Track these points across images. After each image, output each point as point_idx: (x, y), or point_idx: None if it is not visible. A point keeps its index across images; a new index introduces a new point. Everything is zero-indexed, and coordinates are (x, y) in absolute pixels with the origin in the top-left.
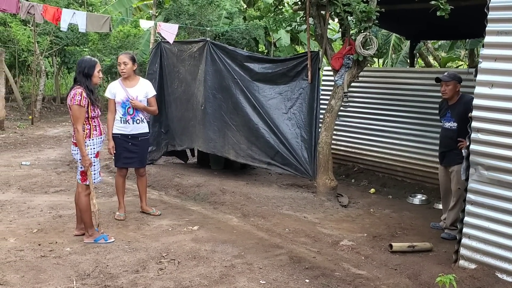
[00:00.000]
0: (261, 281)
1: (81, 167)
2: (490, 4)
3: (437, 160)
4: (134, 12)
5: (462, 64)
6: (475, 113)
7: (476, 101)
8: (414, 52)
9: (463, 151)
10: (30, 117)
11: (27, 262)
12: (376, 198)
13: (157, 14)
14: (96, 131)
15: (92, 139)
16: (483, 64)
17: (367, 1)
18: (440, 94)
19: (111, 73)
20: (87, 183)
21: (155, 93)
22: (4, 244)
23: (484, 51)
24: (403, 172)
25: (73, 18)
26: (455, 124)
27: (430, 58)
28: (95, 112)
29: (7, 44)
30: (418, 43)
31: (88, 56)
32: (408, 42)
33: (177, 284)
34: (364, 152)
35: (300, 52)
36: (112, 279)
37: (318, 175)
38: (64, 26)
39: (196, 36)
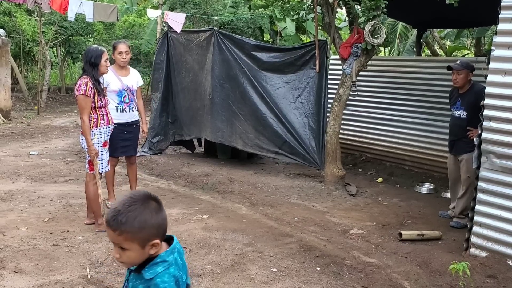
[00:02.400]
0: (272, 269)
1: (88, 157)
2: None
3: (445, 149)
4: (139, 1)
5: (468, 53)
6: (487, 101)
7: (488, 89)
8: (421, 41)
9: (475, 139)
10: (36, 107)
11: (40, 251)
12: (383, 187)
13: (162, 3)
14: (103, 120)
15: (99, 129)
16: (496, 52)
17: None
18: (449, 83)
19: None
20: (94, 172)
21: (142, 83)
22: (17, 233)
23: (497, 39)
24: (411, 161)
25: (80, 7)
26: (465, 113)
27: (436, 47)
28: (102, 101)
29: (11, 34)
30: (425, 32)
31: (95, 45)
32: (414, 31)
33: (189, 272)
34: (371, 141)
35: (305, 41)
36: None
37: (326, 164)
38: (71, 15)
39: (202, 26)
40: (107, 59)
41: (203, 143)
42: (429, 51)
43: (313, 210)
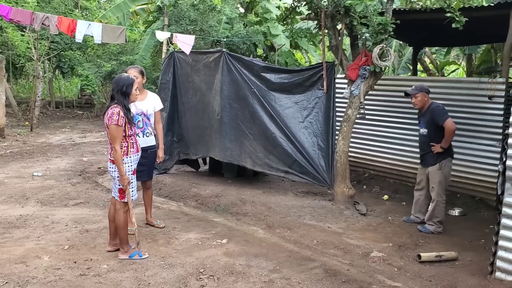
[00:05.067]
0: None
1: (119, 185)
2: None
3: None
4: (131, 16)
5: (458, 68)
6: (511, 129)
7: None
8: (417, 58)
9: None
10: (27, 123)
11: (68, 282)
12: (390, 205)
13: (154, 20)
14: (133, 148)
15: (130, 157)
16: None
17: (382, 13)
18: (451, 102)
19: (111, 79)
20: (125, 200)
21: (162, 106)
22: (40, 263)
23: None
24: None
25: (89, 29)
26: (426, 130)
27: (428, 62)
28: (132, 130)
29: (0, 48)
30: (421, 49)
31: (126, 74)
32: (409, 48)
33: None
34: (375, 158)
35: (297, 56)
36: None
37: (336, 183)
38: (79, 37)
39: (198, 42)
40: (137, 87)
41: (207, 161)
42: (421, 66)
43: (329, 232)
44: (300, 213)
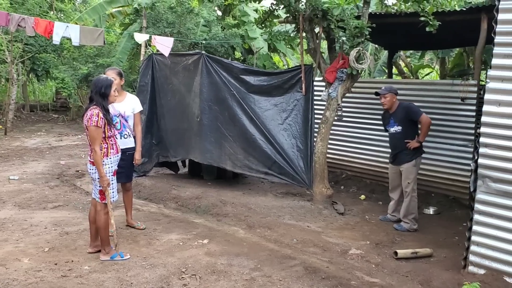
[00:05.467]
0: None
1: (100, 186)
2: (496, 29)
3: (424, 166)
4: (107, 19)
5: (432, 71)
6: (483, 129)
7: (484, 118)
8: (392, 61)
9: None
10: (1, 126)
11: (50, 283)
12: (367, 204)
13: (131, 22)
14: (113, 149)
15: (110, 158)
16: (491, 84)
17: (358, 16)
18: (425, 104)
19: (88, 82)
20: (106, 202)
21: (141, 108)
22: (20, 265)
23: (491, 72)
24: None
25: (66, 31)
26: (400, 128)
27: (402, 66)
28: (111, 131)
29: None
30: (396, 53)
31: (104, 76)
32: (385, 52)
33: None
34: (352, 159)
35: (275, 59)
36: None
37: (315, 184)
38: (56, 39)
39: (176, 45)
40: (116, 89)
41: (187, 164)
42: (396, 70)
43: (308, 231)
44: (279, 213)
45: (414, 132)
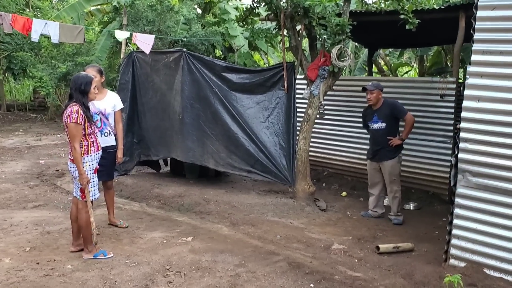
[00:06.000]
0: None
1: (80, 184)
2: (476, 26)
3: (405, 163)
4: (86, 17)
5: (411, 70)
6: (463, 124)
7: (464, 114)
8: (372, 59)
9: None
10: None
11: (32, 282)
12: (349, 201)
13: (110, 20)
14: (93, 147)
15: (90, 155)
16: (470, 80)
17: (340, 14)
18: (406, 102)
19: (67, 80)
20: (87, 200)
21: (122, 106)
22: (1, 265)
23: (471, 69)
24: None
25: (45, 28)
26: (384, 124)
27: (382, 64)
28: (91, 128)
29: None
30: (376, 51)
31: (84, 73)
32: (365, 50)
33: None
34: (333, 157)
35: (256, 57)
36: None
37: (297, 181)
38: (35, 37)
39: (156, 43)
40: (96, 86)
41: (169, 163)
42: (376, 68)
43: (292, 227)
44: (263, 211)
45: (396, 130)
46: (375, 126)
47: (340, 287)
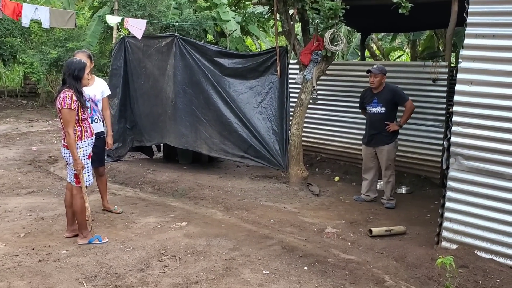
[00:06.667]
0: (264, 271)
1: (75, 170)
2: (469, 10)
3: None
4: (76, 2)
5: (403, 54)
6: (455, 108)
7: (456, 98)
8: (365, 44)
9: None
10: None
11: (28, 268)
12: (342, 185)
13: (101, 5)
14: (87, 132)
15: (84, 141)
16: (463, 64)
17: None
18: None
19: (57, 66)
20: (81, 185)
21: (110, 92)
22: None
23: (463, 52)
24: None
25: (35, 13)
26: (383, 109)
27: (374, 49)
28: (85, 114)
29: None
30: (369, 35)
31: (77, 58)
32: (358, 34)
33: (185, 280)
34: (326, 142)
35: (248, 42)
36: (120, 279)
37: (290, 166)
38: (25, 22)
39: (147, 28)
40: (89, 72)
41: (162, 149)
42: (368, 52)
43: (285, 212)
44: (256, 196)
45: (394, 115)
46: (374, 110)
47: (333, 270)
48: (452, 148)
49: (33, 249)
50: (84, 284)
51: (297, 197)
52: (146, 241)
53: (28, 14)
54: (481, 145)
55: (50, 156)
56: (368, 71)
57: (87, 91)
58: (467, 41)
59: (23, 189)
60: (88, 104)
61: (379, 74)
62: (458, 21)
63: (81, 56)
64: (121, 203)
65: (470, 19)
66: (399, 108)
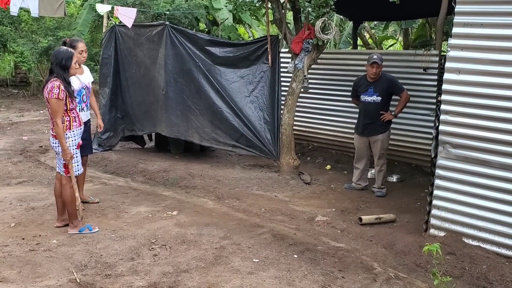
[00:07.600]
0: (254, 260)
1: (64, 160)
2: None
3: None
4: None
5: (395, 43)
6: (444, 97)
7: (444, 86)
8: (357, 32)
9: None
10: None
11: (18, 257)
12: (333, 174)
13: None
14: (75, 122)
15: (73, 131)
16: (451, 53)
17: None
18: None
19: (48, 55)
20: (71, 175)
21: (93, 79)
22: None
23: (452, 41)
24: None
25: (24, 2)
26: (379, 98)
27: (367, 37)
28: (73, 104)
29: None
30: (361, 24)
31: (64, 47)
32: (350, 23)
33: (175, 268)
34: (317, 131)
35: (240, 31)
36: (110, 268)
37: (282, 155)
38: (14, 10)
39: (138, 16)
40: (76, 61)
41: (153, 138)
42: (361, 41)
43: (276, 200)
44: (248, 185)
45: (388, 105)
46: (369, 99)
47: (323, 257)
48: (440, 137)
49: (23, 239)
50: (74, 273)
51: (288, 186)
52: (136, 230)
53: (16, 2)
54: (469, 133)
55: (41, 146)
56: (374, 62)
57: (82, 79)
58: (455, 30)
59: (14, 179)
60: (84, 92)
61: (381, 64)
62: (449, 10)
63: (81, 45)
64: (112, 193)
65: (458, 8)
66: (393, 97)
